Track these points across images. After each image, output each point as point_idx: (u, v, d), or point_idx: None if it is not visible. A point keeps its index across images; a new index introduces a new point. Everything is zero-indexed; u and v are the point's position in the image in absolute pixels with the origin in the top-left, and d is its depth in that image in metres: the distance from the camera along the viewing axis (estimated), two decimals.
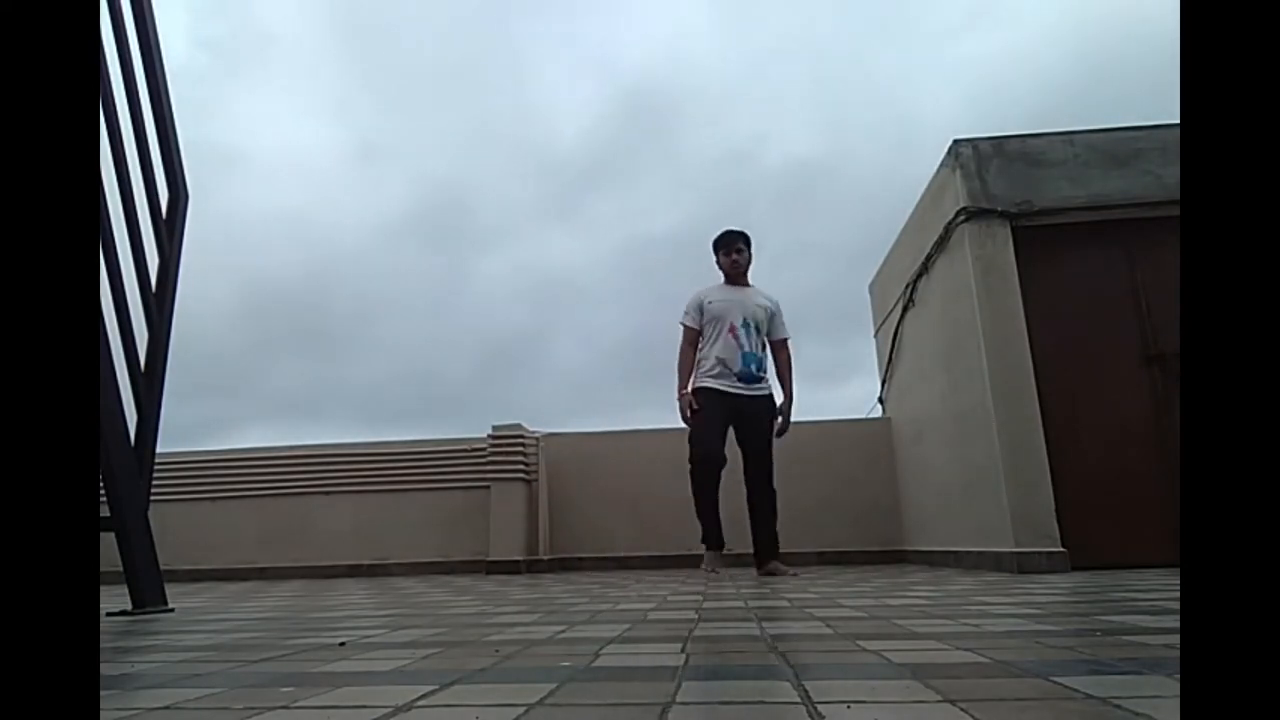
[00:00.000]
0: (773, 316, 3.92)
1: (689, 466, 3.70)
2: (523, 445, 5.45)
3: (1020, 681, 0.90)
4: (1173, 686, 0.84)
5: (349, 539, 5.69)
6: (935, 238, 4.13)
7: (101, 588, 2.46)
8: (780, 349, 3.96)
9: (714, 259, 4.00)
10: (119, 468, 2.54)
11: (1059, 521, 3.35)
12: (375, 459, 5.84)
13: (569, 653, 1.24)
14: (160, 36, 2.86)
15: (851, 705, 0.79)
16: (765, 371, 3.86)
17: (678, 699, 0.85)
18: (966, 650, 1.15)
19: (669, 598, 2.41)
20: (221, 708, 0.88)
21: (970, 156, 3.82)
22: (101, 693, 0.98)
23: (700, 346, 3.87)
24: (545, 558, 5.38)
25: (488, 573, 5.09)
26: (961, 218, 3.77)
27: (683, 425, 3.83)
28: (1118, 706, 0.75)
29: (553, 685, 0.95)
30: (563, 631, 1.56)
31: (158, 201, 2.86)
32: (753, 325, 3.81)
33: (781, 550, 3.76)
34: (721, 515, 3.73)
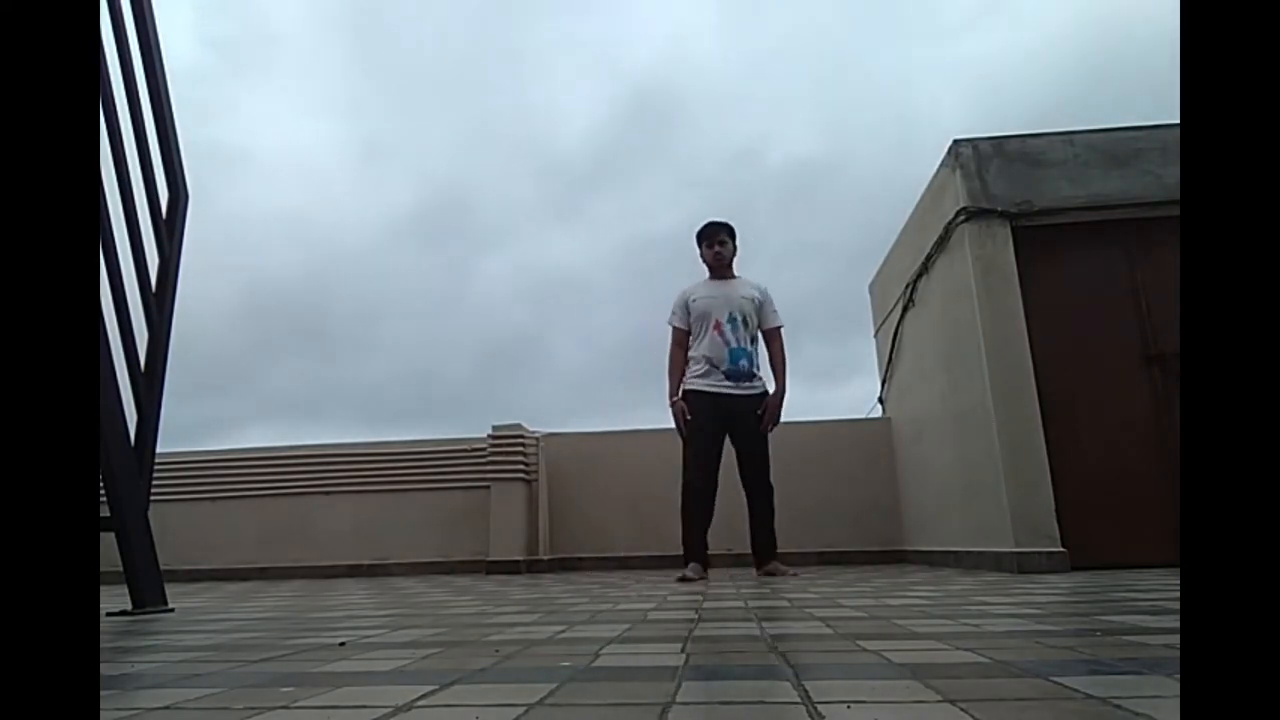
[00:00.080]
0: (761, 306, 3.80)
1: (680, 491, 3.68)
2: (523, 445, 5.45)
3: (1020, 681, 0.90)
4: (1173, 686, 0.84)
5: (349, 539, 5.69)
6: (935, 238, 4.13)
7: (101, 588, 2.46)
8: (773, 338, 3.82)
9: (697, 252, 3.91)
10: (119, 468, 2.54)
11: (1059, 521, 3.35)
12: (375, 459, 5.84)
13: (569, 653, 1.24)
14: (160, 36, 2.86)
15: (851, 705, 0.79)
16: (758, 367, 3.76)
17: (678, 699, 0.85)
18: (966, 650, 1.15)
19: (669, 598, 2.41)
20: (221, 708, 0.88)
21: (970, 156, 3.81)
22: (101, 693, 0.98)
23: (690, 346, 3.79)
24: (545, 558, 5.38)
25: (488, 573, 5.09)
26: (961, 218, 3.77)
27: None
28: (1118, 706, 0.75)
29: (553, 685, 0.95)
30: (563, 631, 1.56)
31: (158, 201, 2.86)
32: (739, 319, 3.71)
33: (781, 550, 3.74)
34: (719, 514, 3.70)
